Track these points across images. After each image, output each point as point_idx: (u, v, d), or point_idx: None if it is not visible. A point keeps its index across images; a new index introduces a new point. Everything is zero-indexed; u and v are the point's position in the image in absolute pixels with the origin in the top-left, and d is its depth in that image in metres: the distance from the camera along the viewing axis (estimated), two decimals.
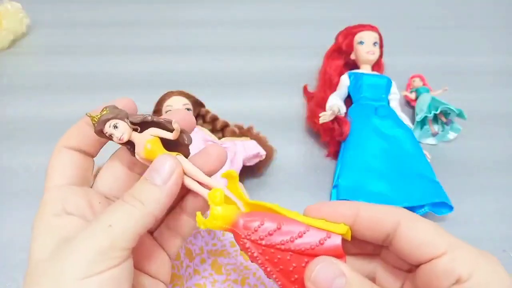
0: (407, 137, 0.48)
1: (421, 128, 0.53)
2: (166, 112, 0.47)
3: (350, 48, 0.55)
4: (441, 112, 0.52)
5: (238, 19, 0.73)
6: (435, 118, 0.53)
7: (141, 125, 0.24)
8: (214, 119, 0.50)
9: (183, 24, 0.72)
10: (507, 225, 0.45)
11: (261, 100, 0.58)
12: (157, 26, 0.71)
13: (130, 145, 0.24)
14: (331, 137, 0.49)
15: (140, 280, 0.23)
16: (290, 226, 0.21)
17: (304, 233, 0.21)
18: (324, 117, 0.47)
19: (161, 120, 0.23)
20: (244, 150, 0.44)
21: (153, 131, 0.23)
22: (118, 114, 0.23)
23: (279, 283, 0.21)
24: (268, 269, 0.21)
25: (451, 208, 0.44)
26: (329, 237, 0.21)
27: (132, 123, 0.23)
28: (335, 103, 0.50)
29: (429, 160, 0.47)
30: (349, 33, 0.55)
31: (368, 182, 0.45)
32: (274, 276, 0.21)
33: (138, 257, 0.23)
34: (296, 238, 0.21)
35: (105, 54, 0.65)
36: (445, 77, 0.62)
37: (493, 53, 0.68)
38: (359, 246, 0.23)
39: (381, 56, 0.56)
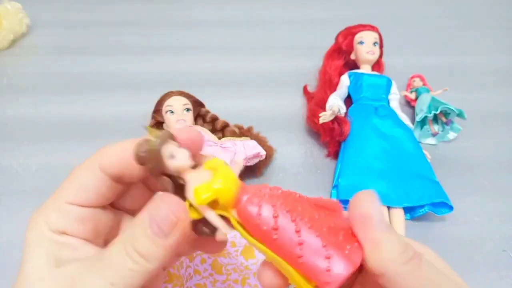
0: (407, 137, 0.48)
1: (421, 128, 0.53)
2: (166, 112, 0.47)
3: (350, 48, 0.55)
4: (441, 112, 0.52)
5: (238, 19, 0.73)
6: (435, 118, 0.53)
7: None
8: (214, 119, 0.50)
9: (183, 24, 0.72)
10: (507, 225, 0.45)
11: (261, 100, 0.58)
12: (157, 26, 0.71)
13: (174, 182, 0.20)
14: (331, 137, 0.49)
15: None
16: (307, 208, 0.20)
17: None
18: (324, 117, 0.47)
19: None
20: (244, 150, 0.44)
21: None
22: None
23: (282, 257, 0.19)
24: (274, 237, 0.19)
25: (451, 208, 0.44)
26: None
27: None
28: (335, 103, 0.50)
29: (429, 160, 0.47)
30: (349, 33, 0.55)
31: (368, 182, 0.45)
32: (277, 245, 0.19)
33: None
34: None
35: (105, 54, 0.65)
36: (445, 77, 0.62)
37: (493, 53, 0.68)
38: None
39: (381, 56, 0.56)
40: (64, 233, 0.20)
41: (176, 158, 0.19)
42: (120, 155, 0.21)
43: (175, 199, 0.19)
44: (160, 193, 0.20)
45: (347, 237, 0.19)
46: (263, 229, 0.19)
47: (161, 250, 0.19)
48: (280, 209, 0.19)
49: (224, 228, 0.19)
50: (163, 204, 0.19)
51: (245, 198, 0.19)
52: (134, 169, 0.20)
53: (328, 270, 0.18)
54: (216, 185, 0.19)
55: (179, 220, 0.19)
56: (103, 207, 0.22)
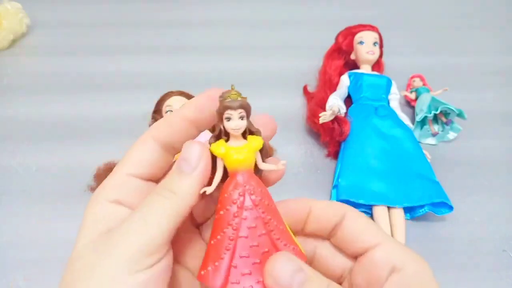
0: (407, 137, 0.48)
1: (421, 128, 0.53)
2: (166, 112, 0.47)
3: (350, 48, 0.55)
4: (441, 112, 0.52)
5: (238, 19, 0.73)
6: (435, 118, 0.53)
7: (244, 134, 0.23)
8: None
9: (183, 24, 0.72)
10: (507, 225, 0.45)
11: (261, 100, 0.57)
12: (157, 26, 0.71)
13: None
14: (331, 137, 0.49)
15: (175, 270, 0.23)
16: (277, 213, 0.22)
17: (283, 229, 0.22)
18: (324, 117, 0.47)
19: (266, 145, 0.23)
20: None
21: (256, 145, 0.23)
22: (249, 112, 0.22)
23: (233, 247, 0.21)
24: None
25: (451, 208, 0.44)
26: (297, 248, 0.22)
27: (248, 127, 0.22)
28: (335, 103, 0.50)
29: (429, 160, 0.47)
30: (349, 33, 0.55)
31: (368, 182, 0.45)
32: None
33: (178, 248, 0.23)
34: (278, 226, 0.22)
35: (105, 54, 0.65)
36: (445, 77, 0.62)
37: (493, 53, 0.68)
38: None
39: (381, 56, 0.56)
40: (119, 202, 0.21)
41: (230, 122, 0.21)
42: (165, 123, 0.23)
43: (196, 142, 0.22)
44: (185, 142, 0.22)
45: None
46: (224, 204, 0.21)
47: (189, 182, 0.21)
48: (248, 217, 0.21)
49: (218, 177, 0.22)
50: (188, 145, 0.21)
51: (244, 177, 0.22)
52: (181, 136, 0.23)
53: (207, 275, 0.21)
54: (232, 152, 0.22)
55: (202, 154, 0.21)
56: (156, 181, 0.23)
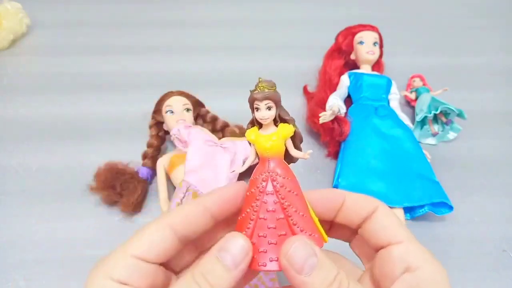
0: (407, 137, 0.48)
1: (421, 128, 0.53)
2: (166, 112, 0.47)
3: (350, 48, 0.55)
4: (441, 112, 0.52)
5: (238, 19, 0.73)
6: (435, 118, 0.53)
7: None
8: (214, 119, 0.50)
9: (183, 24, 0.72)
10: (507, 225, 0.45)
11: None
12: (157, 26, 0.71)
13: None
14: (331, 137, 0.49)
15: None
16: (301, 200, 0.24)
17: (304, 216, 0.23)
18: (324, 117, 0.47)
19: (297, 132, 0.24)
20: (244, 150, 0.44)
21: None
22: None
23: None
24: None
25: (451, 208, 0.44)
26: (315, 235, 0.23)
27: (280, 116, 0.24)
28: (335, 103, 0.50)
29: (429, 160, 0.47)
30: (349, 33, 0.55)
31: (368, 182, 0.45)
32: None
33: None
34: (297, 212, 0.23)
35: (105, 54, 0.65)
36: (445, 77, 0.62)
37: (493, 53, 0.68)
38: (335, 233, 0.27)
39: (381, 56, 0.56)
40: (126, 284, 0.21)
41: (259, 112, 0.23)
42: (186, 214, 0.23)
43: (242, 237, 0.22)
44: (230, 233, 0.22)
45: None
46: (251, 187, 0.24)
47: (231, 278, 0.21)
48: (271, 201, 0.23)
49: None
50: (235, 239, 0.21)
51: (270, 164, 0.24)
52: (196, 227, 0.23)
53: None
54: (260, 139, 0.24)
55: (248, 252, 0.21)
56: (161, 264, 0.23)
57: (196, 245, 0.25)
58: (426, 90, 0.56)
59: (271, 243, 0.22)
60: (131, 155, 0.47)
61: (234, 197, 0.24)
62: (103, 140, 0.51)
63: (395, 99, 0.53)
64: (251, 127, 0.24)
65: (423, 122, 0.53)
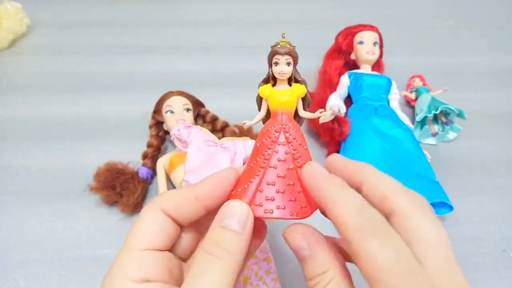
0: (407, 137, 0.48)
1: (421, 128, 0.53)
2: (166, 112, 0.47)
3: (350, 48, 0.55)
4: (441, 112, 0.52)
5: (238, 19, 0.73)
6: (435, 118, 0.53)
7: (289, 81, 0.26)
8: (214, 119, 0.50)
9: (183, 24, 0.72)
10: (507, 225, 0.45)
11: None
12: (157, 26, 0.71)
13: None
14: (331, 137, 0.49)
15: None
16: (309, 155, 0.25)
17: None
18: (324, 117, 0.47)
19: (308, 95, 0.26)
20: (244, 150, 0.44)
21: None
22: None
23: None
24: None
25: (451, 208, 0.44)
26: None
27: (294, 76, 0.25)
28: (335, 103, 0.50)
29: (429, 160, 0.47)
30: (349, 33, 0.55)
31: None
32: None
33: None
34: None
35: (105, 54, 0.65)
36: (445, 77, 0.62)
37: (493, 53, 0.69)
38: None
39: (381, 56, 0.56)
40: (147, 280, 0.21)
41: (277, 67, 0.24)
42: (175, 194, 0.23)
43: (238, 201, 0.22)
44: (226, 202, 0.23)
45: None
46: (261, 138, 0.25)
47: (241, 241, 0.21)
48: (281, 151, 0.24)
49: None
50: (233, 205, 0.22)
51: (283, 117, 0.25)
52: (188, 207, 0.23)
53: (235, 195, 0.23)
54: (275, 94, 0.25)
55: (249, 213, 0.22)
56: (171, 250, 0.23)
57: (197, 229, 0.25)
58: (426, 90, 0.56)
59: (279, 192, 0.23)
60: (131, 155, 0.47)
61: (226, 184, 0.24)
62: (103, 140, 0.51)
63: (395, 99, 0.53)
64: (263, 84, 0.25)
65: (423, 122, 0.53)
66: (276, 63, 0.24)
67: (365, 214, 0.20)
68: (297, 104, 0.26)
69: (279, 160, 0.24)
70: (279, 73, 0.24)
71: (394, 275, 0.17)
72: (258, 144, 0.25)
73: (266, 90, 0.25)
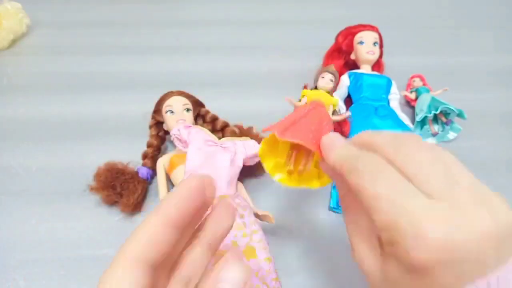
0: None
1: (421, 128, 0.53)
2: (166, 112, 0.47)
3: (350, 48, 0.55)
4: (441, 112, 0.52)
5: (238, 19, 0.73)
6: (435, 118, 0.53)
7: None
8: (214, 119, 0.50)
9: (183, 24, 0.72)
10: None
11: (261, 100, 0.58)
12: (157, 26, 0.71)
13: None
14: None
15: None
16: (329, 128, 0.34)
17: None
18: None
19: None
20: (244, 150, 0.44)
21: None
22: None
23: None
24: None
25: None
26: None
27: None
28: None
29: None
30: (349, 33, 0.55)
31: None
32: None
33: None
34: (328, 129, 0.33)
35: (105, 54, 0.65)
36: (445, 77, 0.62)
37: (493, 53, 0.69)
38: None
39: (381, 56, 0.56)
40: None
41: (322, 80, 0.43)
42: (151, 237, 0.21)
43: (239, 265, 0.21)
44: (226, 261, 0.22)
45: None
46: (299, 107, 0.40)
47: None
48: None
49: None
50: (232, 269, 0.21)
51: (314, 101, 0.41)
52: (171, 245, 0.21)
53: (272, 126, 0.32)
54: (316, 92, 0.45)
55: (246, 280, 0.21)
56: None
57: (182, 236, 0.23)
58: (426, 90, 0.56)
59: (309, 130, 0.31)
60: (131, 155, 0.47)
61: (199, 195, 0.21)
62: (103, 140, 0.51)
63: (395, 99, 0.53)
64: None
65: (423, 122, 0.53)
66: (323, 77, 0.41)
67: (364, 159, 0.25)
68: (328, 110, 0.39)
69: (312, 116, 0.34)
70: (322, 87, 0.43)
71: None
72: (295, 107, 0.39)
73: (309, 91, 0.44)
